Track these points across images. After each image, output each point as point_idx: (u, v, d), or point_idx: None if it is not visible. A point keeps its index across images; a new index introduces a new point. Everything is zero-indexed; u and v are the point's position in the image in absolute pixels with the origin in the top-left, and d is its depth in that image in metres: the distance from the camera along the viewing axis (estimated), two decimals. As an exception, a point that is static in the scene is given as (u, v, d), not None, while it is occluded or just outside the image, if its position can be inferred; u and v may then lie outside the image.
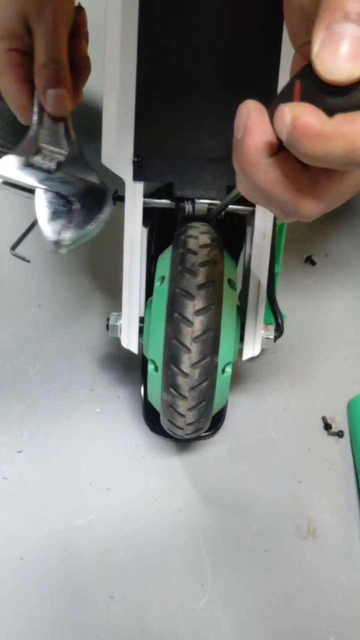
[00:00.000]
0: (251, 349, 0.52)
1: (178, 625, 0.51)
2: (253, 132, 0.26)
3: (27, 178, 0.51)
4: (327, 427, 0.63)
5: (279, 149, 0.26)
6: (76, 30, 0.55)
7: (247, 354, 0.52)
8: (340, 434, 0.63)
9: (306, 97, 0.24)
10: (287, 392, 0.65)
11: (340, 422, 0.64)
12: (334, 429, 0.63)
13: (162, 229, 0.54)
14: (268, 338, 0.52)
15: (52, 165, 0.52)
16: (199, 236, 0.46)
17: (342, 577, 0.55)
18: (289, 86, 0.25)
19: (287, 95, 0.25)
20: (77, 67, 0.55)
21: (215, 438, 0.61)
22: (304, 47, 0.28)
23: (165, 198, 0.50)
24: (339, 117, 0.23)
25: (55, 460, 0.59)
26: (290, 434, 0.63)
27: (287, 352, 0.68)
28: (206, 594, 0.53)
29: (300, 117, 0.23)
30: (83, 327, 0.67)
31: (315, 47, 0.23)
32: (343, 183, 0.27)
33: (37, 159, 0.52)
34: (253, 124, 0.26)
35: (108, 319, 0.51)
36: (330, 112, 0.24)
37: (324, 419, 0.64)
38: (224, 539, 0.56)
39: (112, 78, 0.45)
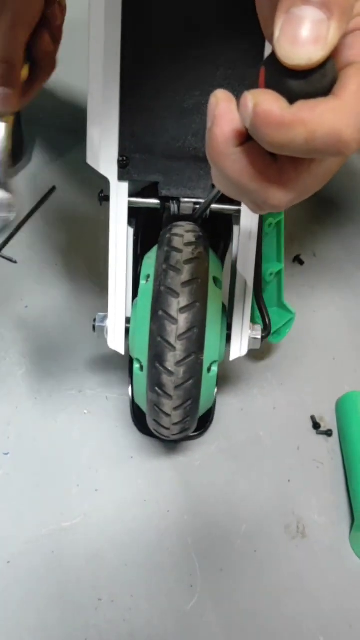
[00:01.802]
0: (238, 349, 0.51)
1: (167, 627, 0.51)
2: (220, 122, 0.26)
3: None
4: (316, 426, 0.63)
5: (248, 139, 0.26)
6: (44, 25, 0.55)
7: (234, 354, 0.51)
8: (329, 433, 0.63)
9: (271, 84, 0.24)
10: (275, 392, 0.65)
11: (329, 421, 0.64)
12: (323, 428, 0.63)
13: (148, 229, 0.54)
14: (255, 338, 0.52)
15: None
16: (184, 234, 0.46)
17: (332, 576, 0.55)
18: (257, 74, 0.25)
19: (255, 83, 0.25)
20: (39, 63, 0.55)
21: (204, 438, 0.61)
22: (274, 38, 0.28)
23: (150, 197, 0.49)
24: (300, 105, 0.23)
25: (42, 462, 0.58)
26: (279, 434, 0.63)
27: (275, 351, 0.68)
28: (195, 595, 0.53)
29: (262, 104, 0.23)
30: (70, 328, 0.67)
31: (276, 32, 0.23)
32: (311, 173, 0.27)
33: None
34: (221, 113, 0.26)
35: (94, 320, 0.51)
36: (293, 99, 0.24)
37: (312, 418, 0.64)
38: (213, 539, 0.56)
39: (96, 77, 0.45)
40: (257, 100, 0.23)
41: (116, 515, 0.56)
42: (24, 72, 0.55)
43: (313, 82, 0.23)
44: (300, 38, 0.22)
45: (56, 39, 0.57)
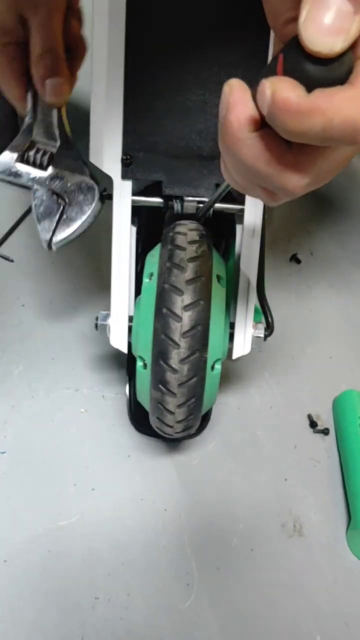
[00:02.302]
0: (241, 348, 0.51)
1: (164, 626, 0.51)
2: (235, 108, 0.26)
3: (20, 177, 0.53)
4: (313, 424, 0.63)
5: (263, 125, 0.26)
6: (69, 11, 0.54)
7: (237, 353, 0.51)
8: (326, 432, 0.63)
9: (289, 70, 0.24)
10: (272, 391, 0.65)
11: (325, 419, 0.64)
12: (320, 427, 0.63)
13: (152, 228, 0.54)
14: (258, 337, 0.52)
15: (45, 160, 0.52)
16: (187, 233, 0.46)
17: (329, 575, 0.55)
18: (274, 60, 0.25)
19: (271, 69, 0.25)
20: (73, 48, 0.55)
21: (201, 437, 0.61)
22: (284, 28, 0.28)
23: (154, 196, 0.49)
24: (317, 93, 0.23)
25: (39, 461, 0.58)
26: (276, 432, 0.63)
27: (273, 350, 0.68)
28: (192, 594, 0.53)
29: (280, 92, 0.23)
30: (67, 327, 0.66)
31: (303, 15, 0.23)
32: (327, 158, 0.27)
33: (31, 154, 0.52)
34: (235, 100, 0.26)
35: (97, 318, 0.51)
36: (311, 85, 0.24)
37: (309, 416, 0.64)
38: (210, 538, 0.56)
39: (100, 76, 0.45)
40: (275, 87, 0.24)
41: (113, 514, 0.56)
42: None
43: (332, 69, 0.24)
44: (325, 26, 0.23)
45: (80, 20, 0.57)
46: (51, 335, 0.66)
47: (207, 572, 0.54)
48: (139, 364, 0.48)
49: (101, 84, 0.45)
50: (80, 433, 0.60)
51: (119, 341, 0.50)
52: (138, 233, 0.52)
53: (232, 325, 0.51)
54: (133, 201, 0.49)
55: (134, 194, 0.49)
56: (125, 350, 0.51)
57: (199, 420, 0.48)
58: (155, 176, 0.48)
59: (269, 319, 0.53)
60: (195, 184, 0.48)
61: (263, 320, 0.53)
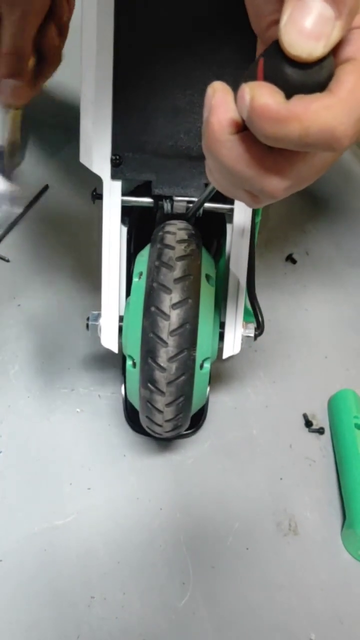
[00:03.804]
0: (231, 347, 0.51)
1: (159, 625, 0.51)
2: (217, 111, 0.26)
3: None
4: (308, 424, 0.63)
5: (244, 128, 0.26)
6: (51, 19, 0.55)
7: (227, 352, 0.52)
8: (321, 431, 0.63)
9: (269, 74, 0.24)
10: (268, 390, 0.66)
11: (321, 419, 0.64)
12: (315, 426, 0.63)
13: (142, 228, 0.54)
14: (248, 336, 0.52)
15: None
16: (176, 232, 0.47)
17: (324, 573, 0.55)
18: (254, 64, 0.25)
19: (252, 73, 0.25)
20: (45, 56, 0.55)
21: (197, 436, 0.61)
22: (267, 31, 0.28)
23: (143, 196, 0.50)
24: (296, 100, 0.24)
25: (35, 461, 0.58)
26: (271, 432, 0.63)
27: (268, 349, 0.68)
28: (187, 593, 0.53)
29: (259, 98, 0.24)
30: (63, 326, 0.67)
31: (284, 18, 0.23)
32: (307, 162, 0.27)
33: None
34: (217, 102, 0.26)
35: (88, 318, 0.51)
36: (291, 90, 0.24)
37: (305, 416, 0.64)
38: (205, 537, 0.56)
39: (89, 76, 0.45)
40: (254, 93, 0.24)
41: (109, 513, 0.56)
42: (30, 64, 0.55)
43: (312, 74, 0.24)
44: (306, 30, 0.23)
45: (62, 33, 0.57)
46: (47, 335, 0.66)
47: (203, 570, 0.54)
48: (129, 363, 0.48)
49: (90, 84, 0.45)
50: (76, 432, 0.60)
51: (109, 341, 0.51)
52: (129, 233, 0.52)
53: (222, 325, 0.51)
54: (123, 201, 0.49)
55: (124, 194, 0.49)
56: (116, 350, 0.51)
57: (188, 419, 0.49)
58: (145, 176, 0.48)
59: (259, 319, 0.53)
60: (184, 184, 0.48)
61: (254, 320, 0.53)
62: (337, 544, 0.57)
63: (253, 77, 0.25)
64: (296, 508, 0.58)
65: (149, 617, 0.51)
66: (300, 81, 0.24)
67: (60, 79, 0.78)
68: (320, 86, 0.24)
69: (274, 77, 0.24)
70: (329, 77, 0.24)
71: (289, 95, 0.24)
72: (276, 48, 0.24)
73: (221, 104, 0.26)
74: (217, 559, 0.55)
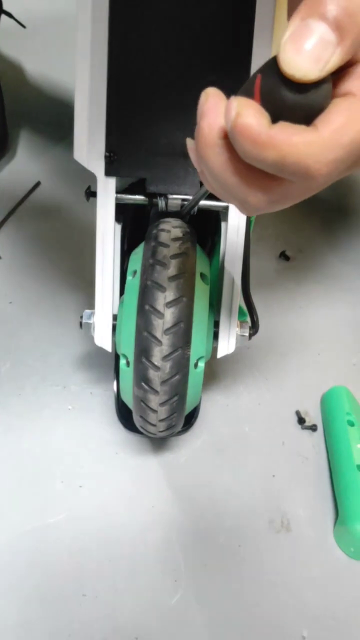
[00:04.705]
0: (226, 347, 0.51)
1: (151, 623, 0.51)
2: (208, 116, 0.26)
3: None
4: (301, 421, 0.64)
5: None
6: None
7: (221, 352, 0.51)
8: (313, 428, 0.63)
9: (264, 89, 0.24)
10: (260, 387, 0.66)
11: (313, 416, 0.64)
12: (308, 423, 0.63)
13: (136, 225, 0.54)
14: (243, 335, 0.52)
15: None
16: (171, 230, 0.46)
17: (316, 570, 0.55)
18: (253, 76, 0.25)
19: (250, 85, 0.25)
20: None
21: (189, 434, 0.61)
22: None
23: (138, 194, 0.49)
24: (278, 127, 0.23)
25: (26, 458, 0.58)
26: (264, 429, 0.63)
27: (261, 347, 0.68)
28: (180, 590, 0.53)
29: (243, 116, 0.23)
30: (55, 324, 0.66)
31: (286, 34, 0.23)
32: (291, 183, 0.27)
33: None
34: (209, 108, 0.26)
35: (82, 317, 0.51)
36: (281, 110, 0.24)
37: (297, 413, 0.64)
38: (198, 534, 0.56)
39: (83, 73, 0.45)
40: (240, 110, 0.24)
41: (100, 511, 0.56)
42: None
43: (305, 97, 0.23)
44: (305, 50, 0.23)
45: None
46: (39, 332, 0.66)
47: (195, 568, 0.54)
48: (122, 361, 0.47)
49: (84, 81, 0.45)
50: (67, 430, 0.60)
51: (103, 340, 0.50)
52: (124, 231, 0.52)
53: (217, 324, 0.51)
54: (117, 198, 0.48)
55: (119, 191, 0.48)
56: (109, 349, 0.51)
57: (182, 419, 0.48)
58: (139, 173, 0.48)
59: (254, 318, 0.53)
60: (179, 182, 0.48)
61: (248, 319, 0.53)
62: (330, 541, 0.57)
63: (251, 88, 0.25)
64: (289, 505, 0.58)
65: (141, 615, 0.51)
66: (292, 102, 0.23)
67: (54, 76, 0.78)
68: (313, 111, 0.24)
69: (268, 93, 0.24)
70: (323, 104, 0.24)
71: (278, 114, 0.24)
72: (274, 64, 0.24)
73: (213, 109, 0.26)
74: (209, 557, 0.55)
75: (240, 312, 0.52)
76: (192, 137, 0.47)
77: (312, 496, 0.59)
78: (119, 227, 0.50)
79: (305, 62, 0.23)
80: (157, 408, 0.45)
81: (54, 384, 0.62)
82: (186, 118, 0.47)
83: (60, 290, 0.69)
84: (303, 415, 0.64)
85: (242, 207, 0.29)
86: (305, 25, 0.23)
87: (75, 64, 0.45)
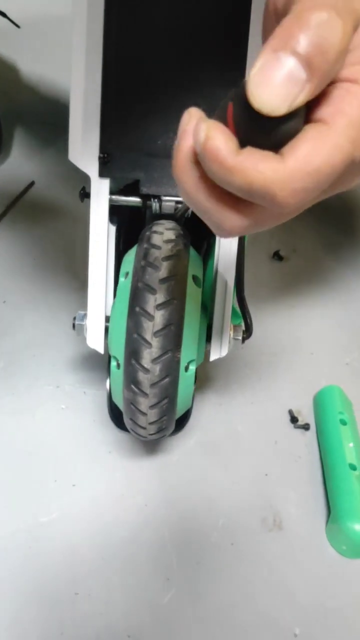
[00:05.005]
0: (218, 350, 0.51)
1: (144, 621, 0.51)
2: (185, 137, 0.26)
3: None
4: (294, 420, 0.64)
5: None
6: None
7: (214, 355, 0.51)
8: (306, 427, 0.63)
9: (236, 112, 0.24)
10: (253, 386, 0.66)
11: (306, 415, 0.65)
12: (300, 422, 0.64)
13: (132, 227, 0.54)
14: (236, 339, 0.52)
15: None
16: (163, 232, 0.46)
17: (308, 568, 0.56)
18: (224, 103, 0.25)
19: (223, 111, 0.25)
20: None
21: (182, 433, 0.61)
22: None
23: (132, 195, 0.49)
24: (246, 153, 0.23)
25: (19, 458, 0.58)
26: (256, 428, 0.63)
27: (254, 346, 0.68)
28: (172, 589, 0.53)
29: (212, 140, 0.24)
30: (49, 323, 0.66)
31: (256, 66, 0.23)
32: (263, 208, 0.26)
33: None
34: (188, 130, 0.26)
35: (74, 318, 0.51)
36: (251, 135, 0.23)
37: (290, 412, 0.64)
38: (190, 533, 0.56)
39: (78, 73, 0.45)
40: (209, 133, 0.24)
41: (93, 510, 0.56)
42: None
43: (273, 128, 0.23)
44: (273, 86, 0.22)
45: None
46: (32, 332, 0.66)
47: (187, 566, 0.54)
48: (113, 363, 0.48)
49: (79, 82, 0.45)
50: (60, 429, 0.60)
51: (95, 342, 0.50)
52: (118, 232, 0.52)
53: (209, 327, 0.51)
54: (111, 200, 0.48)
55: (113, 192, 0.48)
56: (101, 350, 0.51)
57: (172, 422, 0.48)
58: (133, 175, 0.48)
59: (248, 322, 0.53)
60: (173, 184, 0.48)
61: (242, 322, 0.53)
62: (322, 539, 0.57)
63: (223, 115, 0.25)
64: (281, 504, 0.59)
65: (134, 613, 0.52)
66: (261, 132, 0.23)
67: (49, 76, 0.78)
68: (282, 140, 0.24)
69: (238, 121, 0.24)
70: (293, 133, 0.24)
71: (248, 140, 0.24)
72: (244, 93, 0.23)
73: (190, 131, 0.26)
74: (201, 555, 0.55)
75: (234, 316, 0.52)
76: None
77: (305, 494, 0.60)
78: (113, 228, 0.50)
79: (274, 98, 0.22)
80: (147, 411, 0.45)
81: (47, 384, 0.63)
82: (180, 119, 0.46)
83: (53, 290, 0.69)
84: (296, 415, 0.64)
85: (218, 230, 0.29)
86: (275, 59, 0.22)
87: (70, 65, 0.45)
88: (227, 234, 0.28)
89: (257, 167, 0.23)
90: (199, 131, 0.24)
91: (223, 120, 0.24)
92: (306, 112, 0.24)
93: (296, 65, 0.22)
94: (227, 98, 0.25)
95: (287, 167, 0.23)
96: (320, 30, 0.22)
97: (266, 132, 0.23)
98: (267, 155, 0.23)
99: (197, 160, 0.26)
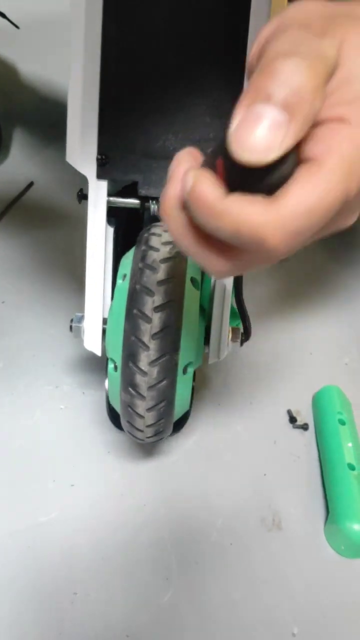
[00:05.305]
0: (216, 353, 0.51)
1: (143, 621, 0.51)
2: (172, 183, 0.26)
3: None
4: (293, 420, 0.64)
5: None
6: None
7: (212, 358, 0.51)
8: (305, 427, 0.64)
9: (226, 160, 0.23)
10: (252, 387, 0.66)
11: (305, 415, 0.65)
12: (299, 422, 0.64)
13: (129, 229, 0.53)
14: (234, 342, 0.52)
15: None
16: (161, 234, 0.46)
17: (307, 568, 0.56)
18: (214, 155, 0.24)
19: (211, 162, 0.24)
20: None
21: (181, 433, 0.61)
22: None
23: (130, 197, 0.49)
24: (234, 198, 0.23)
25: (18, 458, 0.58)
26: (255, 428, 0.63)
27: (253, 346, 0.68)
28: (171, 589, 0.53)
29: (199, 186, 0.23)
30: (48, 324, 0.67)
31: (235, 123, 0.22)
32: (251, 252, 0.26)
33: None
34: (175, 176, 0.26)
35: (72, 320, 0.51)
36: (242, 182, 0.23)
37: (289, 412, 0.64)
38: (189, 533, 0.56)
39: (76, 74, 0.45)
40: (196, 180, 0.23)
41: (92, 510, 0.56)
42: None
43: (264, 176, 0.23)
44: (254, 141, 0.22)
45: None
46: (32, 332, 0.66)
47: (186, 566, 0.55)
48: (110, 366, 0.48)
49: (77, 83, 0.45)
50: (59, 429, 0.60)
51: (92, 344, 0.50)
52: (116, 234, 0.52)
53: (207, 329, 0.51)
54: (109, 202, 0.48)
55: (111, 194, 0.48)
56: (99, 353, 0.51)
57: (170, 425, 0.48)
58: (131, 176, 0.48)
59: (246, 324, 0.53)
60: None
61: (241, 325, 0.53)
62: (321, 539, 0.57)
63: (212, 164, 0.24)
64: (280, 504, 0.59)
65: (133, 613, 0.52)
66: (254, 180, 0.23)
67: (48, 76, 0.78)
68: (275, 185, 0.23)
69: (229, 171, 0.23)
70: (286, 176, 0.23)
71: (241, 187, 0.23)
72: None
73: (179, 176, 0.26)
74: (200, 555, 0.55)
75: (233, 318, 0.52)
76: (186, 141, 0.47)
77: (303, 495, 0.60)
78: (110, 230, 0.50)
79: (257, 149, 0.22)
80: (144, 414, 0.45)
81: (46, 384, 0.63)
82: (179, 121, 0.46)
83: (53, 290, 0.69)
84: (295, 415, 0.64)
85: (206, 271, 0.28)
86: (251, 113, 0.22)
87: (69, 66, 0.45)
88: (216, 275, 0.28)
89: (245, 211, 0.23)
90: (187, 179, 0.24)
91: (212, 169, 0.24)
92: (297, 155, 0.23)
93: (273, 110, 0.22)
94: (214, 151, 0.24)
95: (278, 210, 0.23)
96: (287, 74, 0.22)
97: (258, 182, 0.23)
98: (256, 199, 0.23)
99: (185, 206, 0.26)
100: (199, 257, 0.27)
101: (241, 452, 0.61)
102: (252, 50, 0.27)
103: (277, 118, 0.22)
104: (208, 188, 0.23)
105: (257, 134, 0.22)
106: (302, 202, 0.23)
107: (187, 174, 0.24)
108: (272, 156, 0.22)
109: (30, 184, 0.76)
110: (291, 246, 0.24)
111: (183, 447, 0.61)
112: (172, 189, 0.26)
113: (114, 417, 0.60)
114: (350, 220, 0.27)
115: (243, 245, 0.24)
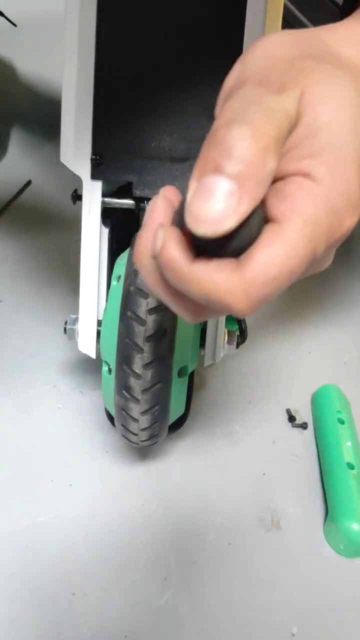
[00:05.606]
0: (212, 356, 0.51)
1: (141, 621, 0.51)
2: (145, 232, 0.25)
3: None
4: (292, 419, 0.64)
5: None
6: None
7: (207, 361, 0.51)
8: (304, 426, 0.63)
9: (192, 236, 0.23)
10: (251, 386, 0.66)
11: (304, 414, 0.64)
12: (298, 421, 0.64)
13: (124, 230, 0.53)
14: (230, 344, 0.51)
15: None
16: None
17: (306, 567, 0.56)
18: (180, 218, 0.24)
19: (180, 218, 0.24)
20: None
21: (179, 433, 0.61)
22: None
23: (125, 198, 0.49)
24: (199, 265, 0.23)
25: (16, 457, 0.58)
26: (254, 427, 0.63)
27: (251, 345, 0.68)
28: (170, 589, 0.53)
29: (167, 248, 0.23)
30: (45, 323, 0.66)
31: (189, 194, 0.22)
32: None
33: None
34: (148, 225, 0.25)
35: (66, 322, 0.51)
36: (207, 250, 0.23)
37: (288, 411, 0.64)
38: (187, 533, 0.56)
39: (70, 74, 0.45)
40: (165, 241, 0.23)
41: (90, 510, 0.56)
42: None
43: (227, 242, 0.22)
44: (208, 214, 0.21)
45: None
46: (29, 332, 0.66)
47: (185, 566, 0.55)
48: (105, 369, 0.47)
49: (71, 82, 0.45)
50: (57, 429, 0.60)
51: (87, 346, 0.50)
52: (111, 235, 0.51)
53: (203, 332, 0.51)
54: (103, 202, 0.48)
55: (106, 195, 0.48)
56: (93, 355, 0.50)
57: (165, 428, 0.48)
58: (126, 177, 0.47)
59: (243, 326, 0.53)
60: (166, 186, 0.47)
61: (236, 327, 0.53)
62: (320, 538, 0.57)
63: (181, 220, 0.23)
64: (279, 503, 0.59)
65: (131, 613, 0.52)
66: (216, 246, 0.22)
67: (45, 74, 0.77)
68: (240, 248, 0.23)
69: (193, 236, 0.23)
70: (251, 239, 0.23)
71: (206, 250, 0.23)
72: None
73: (153, 224, 0.25)
74: (199, 555, 0.55)
75: (229, 320, 0.52)
76: (181, 141, 0.46)
77: (302, 494, 0.60)
78: (105, 231, 0.50)
79: (212, 222, 0.21)
80: (138, 417, 0.45)
81: (44, 383, 0.63)
82: (174, 122, 0.46)
83: (50, 290, 0.69)
84: (293, 414, 0.64)
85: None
86: (203, 186, 0.22)
87: (62, 65, 0.45)
88: (190, 322, 0.28)
89: (212, 278, 0.22)
90: (157, 237, 0.23)
91: (181, 225, 0.23)
92: (262, 213, 0.23)
93: (223, 181, 0.21)
94: (181, 210, 0.24)
95: (243, 277, 0.22)
96: (232, 142, 0.22)
97: (220, 248, 0.22)
98: (222, 265, 0.23)
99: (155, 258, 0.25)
100: (171, 306, 0.26)
101: (240, 451, 0.61)
102: (218, 100, 0.27)
103: (227, 188, 0.21)
104: (175, 252, 0.23)
105: (210, 207, 0.21)
106: (268, 269, 0.22)
107: (157, 232, 0.24)
108: (228, 226, 0.21)
109: (28, 183, 0.76)
110: (258, 307, 0.23)
111: (181, 447, 0.61)
112: (144, 239, 0.25)
113: (112, 417, 0.60)
114: (324, 267, 0.27)
115: (212, 307, 0.24)
